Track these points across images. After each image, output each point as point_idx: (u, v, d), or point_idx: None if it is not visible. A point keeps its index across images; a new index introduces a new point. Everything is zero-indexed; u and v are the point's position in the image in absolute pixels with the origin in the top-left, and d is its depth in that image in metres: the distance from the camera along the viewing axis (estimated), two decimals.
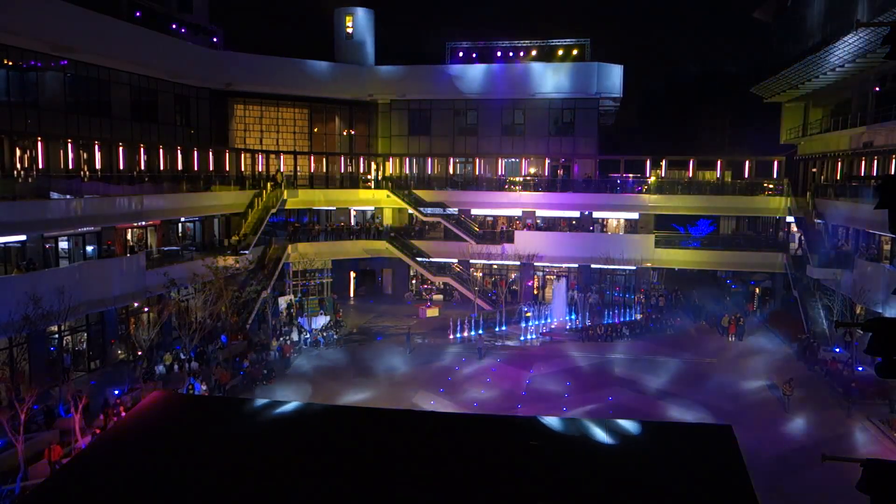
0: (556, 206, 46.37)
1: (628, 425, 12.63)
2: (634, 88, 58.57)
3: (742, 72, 65.18)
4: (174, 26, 40.78)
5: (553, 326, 38.40)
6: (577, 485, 10.61)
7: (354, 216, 50.33)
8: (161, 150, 37.56)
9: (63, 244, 30.25)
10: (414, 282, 47.82)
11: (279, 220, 46.00)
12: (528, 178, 47.84)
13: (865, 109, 35.56)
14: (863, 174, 35.86)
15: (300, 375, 30.47)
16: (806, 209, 40.31)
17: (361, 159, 49.90)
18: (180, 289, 30.59)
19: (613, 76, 46.04)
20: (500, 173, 48.27)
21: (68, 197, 28.77)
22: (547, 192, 46.29)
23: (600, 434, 12.03)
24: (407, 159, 49.75)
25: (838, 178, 39.13)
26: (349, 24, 48.86)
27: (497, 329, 37.42)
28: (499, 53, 48.82)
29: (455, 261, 45.67)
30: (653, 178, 45.58)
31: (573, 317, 39.44)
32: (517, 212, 47.34)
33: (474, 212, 47.88)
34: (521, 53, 48.54)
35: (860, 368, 28.78)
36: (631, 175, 47.80)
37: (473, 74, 47.51)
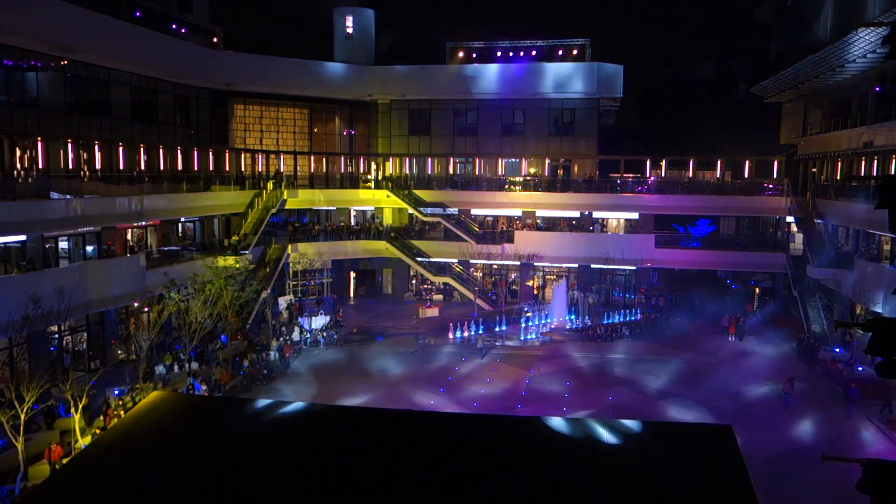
0: (556, 206, 46.38)
1: (628, 425, 12.63)
2: (634, 88, 58.44)
3: (742, 72, 65.20)
4: (174, 26, 40.78)
5: (553, 326, 38.40)
6: (577, 484, 10.62)
7: (354, 216, 50.32)
8: (161, 150, 37.57)
9: (63, 244, 30.24)
10: (414, 282, 47.81)
11: (279, 220, 46.02)
12: (528, 178, 47.85)
13: (865, 109, 35.56)
14: (863, 174, 35.86)
15: (300, 375, 30.47)
16: (806, 209, 40.30)
17: (361, 159, 49.91)
18: (180, 289, 30.57)
19: (613, 76, 46.04)
20: (499, 173, 48.28)
21: (68, 197, 28.79)
22: (547, 192, 46.30)
23: (600, 434, 12.03)
24: (407, 159, 49.76)
25: (838, 178, 39.13)
26: (349, 24, 48.86)
27: (497, 329, 37.42)
28: (499, 53, 48.82)
29: (455, 261, 45.67)
30: (653, 178, 45.62)
31: (573, 317, 39.44)
32: (517, 212, 47.34)
33: (474, 212, 47.88)
34: (521, 53, 48.55)
35: (860, 368, 28.79)
36: (631, 175, 47.81)
37: (473, 74, 47.50)
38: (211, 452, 11.76)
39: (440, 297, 46.21)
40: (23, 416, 19.29)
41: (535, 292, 45.33)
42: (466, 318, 37.42)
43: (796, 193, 42.39)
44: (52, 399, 22.88)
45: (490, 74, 47.30)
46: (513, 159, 48.77)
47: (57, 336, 27.78)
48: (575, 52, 48.08)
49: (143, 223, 35.08)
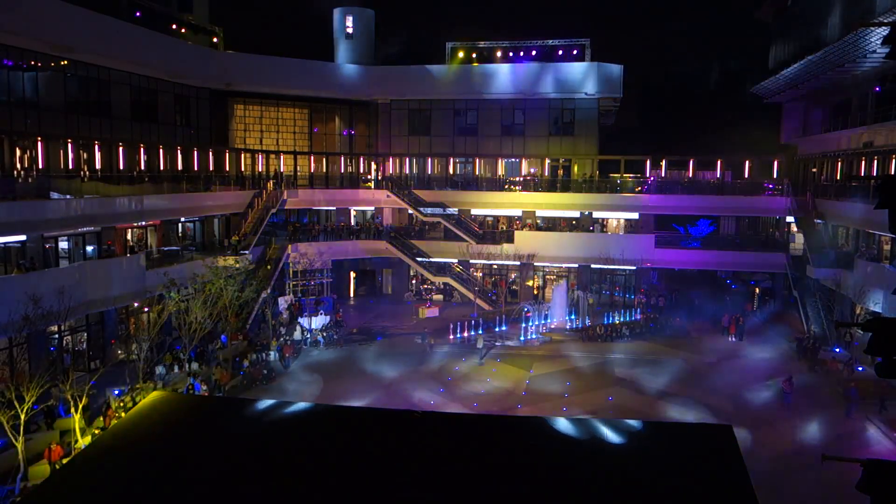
0: (555, 206, 46.37)
1: (628, 425, 12.63)
2: (634, 88, 58.39)
3: (742, 72, 65.10)
4: (174, 26, 40.80)
5: (553, 326, 38.40)
6: (577, 484, 10.61)
7: (354, 216, 50.33)
8: (161, 150, 37.57)
9: (63, 244, 30.25)
10: (414, 282, 47.81)
11: (279, 220, 46.03)
12: (528, 178, 47.85)
13: (865, 109, 35.56)
14: (863, 174, 35.85)
15: (300, 376, 30.47)
16: (806, 209, 40.31)
17: (361, 159, 49.92)
18: (180, 289, 30.56)
19: (613, 76, 46.06)
20: (499, 173, 48.28)
21: (68, 197, 28.79)
22: (547, 192, 46.30)
23: (600, 434, 12.02)
24: (407, 159, 49.75)
25: (838, 178, 39.13)
26: (349, 23, 48.89)
27: (497, 329, 37.42)
28: (499, 53, 48.85)
29: (455, 261, 45.67)
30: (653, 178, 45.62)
31: (573, 317, 39.44)
32: (517, 212, 47.33)
33: (474, 212, 47.89)
34: (522, 53, 48.55)
35: (860, 368, 28.80)
36: (631, 175, 47.81)
37: (473, 74, 47.50)
38: (211, 453, 11.75)
39: (440, 297, 46.22)
40: (23, 416, 19.28)
41: (535, 292, 45.33)
42: (466, 318, 37.41)
43: (796, 193, 42.40)
44: (52, 399, 22.87)
45: (490, 74, 47.31)
46: (513, 159, 48.78)
47: (57, 336, 27.77)
48: (575, 52, 48.09)
49: (143, 223, 35.08)
